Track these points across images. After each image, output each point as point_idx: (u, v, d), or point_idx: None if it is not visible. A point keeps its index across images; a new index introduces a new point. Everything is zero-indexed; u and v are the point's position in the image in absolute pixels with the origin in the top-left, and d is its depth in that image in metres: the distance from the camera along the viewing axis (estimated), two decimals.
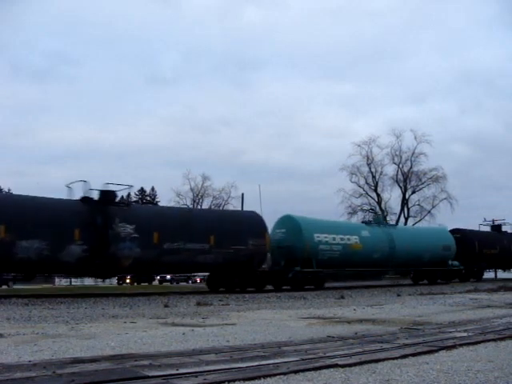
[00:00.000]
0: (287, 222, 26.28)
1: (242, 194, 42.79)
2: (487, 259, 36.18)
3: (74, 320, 10.21)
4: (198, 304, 14.90)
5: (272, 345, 6.19)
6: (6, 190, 62.58)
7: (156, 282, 48.53)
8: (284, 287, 24.85)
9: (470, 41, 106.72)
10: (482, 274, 36.92)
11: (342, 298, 18.13)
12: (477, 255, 35.09)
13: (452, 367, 4.77)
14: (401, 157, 56.46)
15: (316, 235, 25.73)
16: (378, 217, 32.02)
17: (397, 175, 56.67)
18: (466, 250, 34.16)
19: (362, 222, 29.86)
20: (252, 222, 24.09)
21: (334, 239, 26.47)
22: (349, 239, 27.26)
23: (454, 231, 35.59)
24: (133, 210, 21.47)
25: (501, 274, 44.66)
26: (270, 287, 24.73)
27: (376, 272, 34.73)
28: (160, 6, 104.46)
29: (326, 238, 26.11)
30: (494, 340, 6.59)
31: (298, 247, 24.98)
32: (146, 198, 72.33)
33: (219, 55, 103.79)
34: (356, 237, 27.62)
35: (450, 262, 32.62)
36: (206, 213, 25.12)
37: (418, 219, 55.68)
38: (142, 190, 72.90)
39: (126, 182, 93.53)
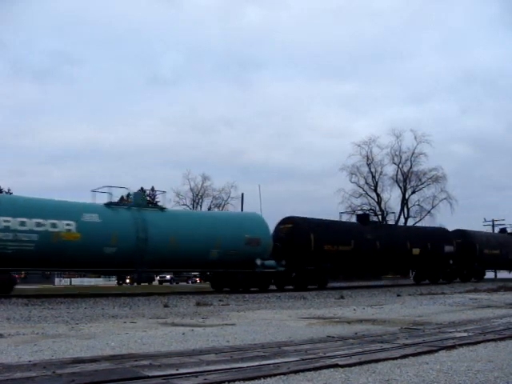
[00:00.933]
0: None
1: (242, 194, 42.86)
2: (334, 259, 26.70)
3: (74, 320, 10.21)
4: (198, 304, 14.90)
5: (272, 345, 6.19)
6: (6, 190, 62.64)
7: (156, 282, 48.56)
8: None
9: (471, 41, 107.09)
10: (325, 280, 26.92)
11: (342, 298, 18.15)
12: (313, 253, 25.60)
13: (452, 367, 4.77)
14: (401, 157, 56.66)
15: None
16: (138, 196, 22.30)
17: (396, 175, 56.86)
18: (298, 246, 25.27)
19: (106, 204, 21.12)
20: None
21: (23, 224, 18.33)
22: (54, 225, 18.91)
23: (284, 221, 27.07)
24: None
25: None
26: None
27: (120, 272, 24.28)
28: (163, 6, 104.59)
29: (6, 222, 18.04)
30: (494, 340, 6.59)
31: None
32: (146, 198, 72.29)
33: (220, 55, 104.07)
34: (70, 222, 19.32)
35: (258, 262, 23.20)
36: None
37: (417, 219, 55.78)
38: (141, 190, 72.84)
39: (126, 181, 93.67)
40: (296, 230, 25.86)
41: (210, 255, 22.21)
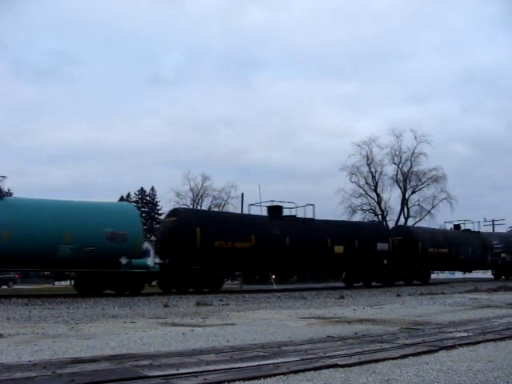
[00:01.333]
0: None
1: (242, 194, 42.68)
2: (228, 257, 22.64)
3: (74, 320, 10.21)
4: (198, 304, 14.90)
5: (272, 345, 6.19)
6: (6, 190, 62.64)
7: (155, 283, 48.39)
8: None
9: (471, 41, 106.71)
10: (218, 282, 23.03)
11: (342, 298, 18.15)
12: (199, 250, 21.88)
13: (452, 367, 4.77)
14: (401, 157, 56.50)
15: None
16: None
17: (397, 175, 56.70)
18: (181, 242, 21.75)
19: None
20: None
21: None
22: None
23: (170, 213, 23.73)
24: None
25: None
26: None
27: None
28: (163, 6, 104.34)
29: None
30: (494, 340, 6.59)
31: None
32: (146, 198, 72.29)
33: (220, 55, 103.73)
34: None
35: (123, 261, 20.02)
36: None
37: (417, 219, 55.77)
38: (141, 190, 72.84)
39: (126, 181, 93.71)
40: (180, 223, 22.22)
41: (58, 252, 18.75)
